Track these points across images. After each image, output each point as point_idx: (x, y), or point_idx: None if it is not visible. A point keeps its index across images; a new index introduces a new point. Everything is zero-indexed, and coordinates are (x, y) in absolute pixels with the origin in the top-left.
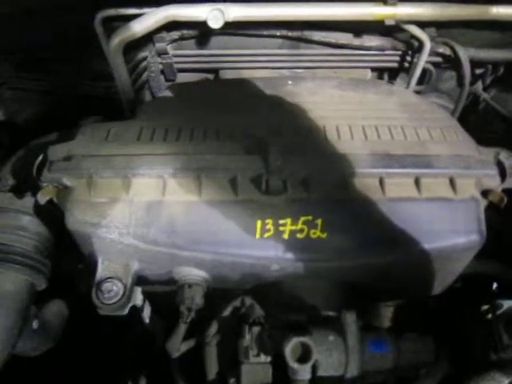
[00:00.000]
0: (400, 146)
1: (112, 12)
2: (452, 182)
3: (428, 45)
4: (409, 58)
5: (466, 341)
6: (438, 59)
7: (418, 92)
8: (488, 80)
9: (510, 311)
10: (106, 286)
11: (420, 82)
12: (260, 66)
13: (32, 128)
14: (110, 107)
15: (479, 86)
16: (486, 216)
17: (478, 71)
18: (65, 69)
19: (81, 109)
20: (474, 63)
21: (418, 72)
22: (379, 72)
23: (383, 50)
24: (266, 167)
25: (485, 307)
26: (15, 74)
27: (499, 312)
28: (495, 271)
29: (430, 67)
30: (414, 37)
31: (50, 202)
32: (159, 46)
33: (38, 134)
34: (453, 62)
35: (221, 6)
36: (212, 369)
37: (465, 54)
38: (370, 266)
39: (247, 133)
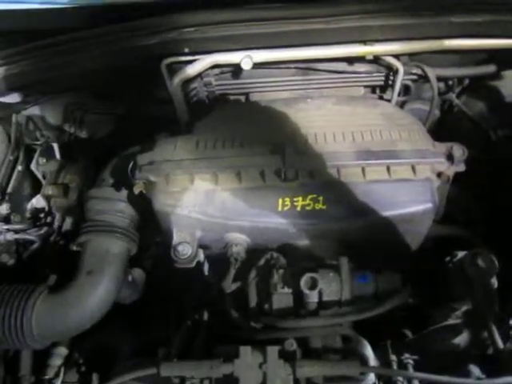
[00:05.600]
0: (377, 145)
1: (173, 59)
2: (413, 168)
3: (401, 69)
4: (391, 77)
5: (432, 281)
6: (414, 77)
7: (404, 101)
8: (456, 90)
9: (462, 258)
10: (179, 247)
11: (405, 93)
12: (280, 90)
13: (108, 143)
14: (168, 125)
15: (452, 94)
16: (456, 194)
17: (451, 83)
18: (134, 97)
19: (145, 128)
20: (444, 78)
21: (397, 88)
22: (372, 88)
23: (370, 73)
24: (284, 163)
25: (447, 258)
26: (96, 102)
27: (455, 259)
28: (458, 233)
29: (409, 83)
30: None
31: (140, 193)
32: (206, 80)
33: (113, 148)
34: (425, 79)
35: (250, 53)
36: (253, 300)
37: (432, 73)
38: (358, 228)
39: (271, 139)
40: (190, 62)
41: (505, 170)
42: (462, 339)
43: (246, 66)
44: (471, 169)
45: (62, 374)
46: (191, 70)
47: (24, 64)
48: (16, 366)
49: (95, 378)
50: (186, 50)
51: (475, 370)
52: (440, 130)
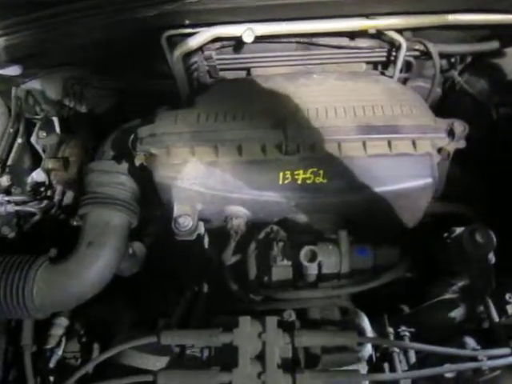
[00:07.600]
0: (379, 119)
1: (174, 32)
2: (414, 143)
3: (404, 45)
4: (393, 53)
5: (429, 256)
6: (416, 53)
7: (405, 78)
8: (458, 67)
9: (460, 234)
10: (180, 219)
11: (407, 70)
12: (281, 65)
13: (107, 117)
14: (169, 99)
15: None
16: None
17: (453, 60)
18: (134, 71)
19: (145, 102)
20: (446, 55)
21: (399, 64)
22: (374, 64)
23: (373, 48)
24: (286, 137)
25: (445, 234)
26: (96, 76)
27: (453, 235)
28: (458, 211)
29: (411, 59)
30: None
31: (141, 165)
32: (206, 53)
33: (112, 122)
34: (427, 55)
35: (251, 25)
36: (252, 272)
37: (434, 49)
38: (357, 201)
39: (272, 114)
40: (191, 34)
41: (506, 148)
42: (458, 313)
43: (248, 38)
44: (472, 147)
45: (63, 344)
46: (192, 43)
47: (24, 35)
48: (18, 335)
49: (96, 347)
50: (187, 22)
51: (470, 341)
52: (442, 108)
